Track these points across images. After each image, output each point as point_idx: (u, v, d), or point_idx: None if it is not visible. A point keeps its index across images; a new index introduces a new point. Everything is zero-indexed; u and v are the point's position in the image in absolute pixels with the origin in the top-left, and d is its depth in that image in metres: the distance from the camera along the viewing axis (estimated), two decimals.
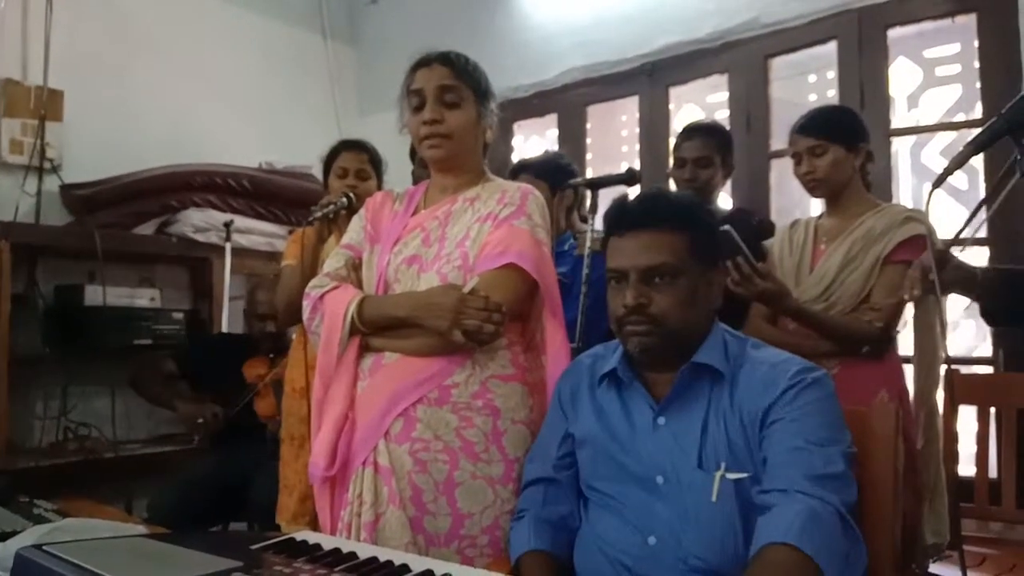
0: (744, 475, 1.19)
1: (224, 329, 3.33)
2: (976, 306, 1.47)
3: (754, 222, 2.25)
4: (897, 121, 3.00)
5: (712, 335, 1.30)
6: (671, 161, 2.39)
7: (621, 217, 1.34)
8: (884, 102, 2.83)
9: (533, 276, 1.47)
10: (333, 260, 1.63)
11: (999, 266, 1.37)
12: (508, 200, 1.53)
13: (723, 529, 1.18)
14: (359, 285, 1.58)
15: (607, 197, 1.73)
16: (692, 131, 2.32)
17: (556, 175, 2.28)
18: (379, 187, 2.30)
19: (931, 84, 3.72)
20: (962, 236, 1.27)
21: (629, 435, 1.30)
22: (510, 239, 1.47)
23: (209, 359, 2.92)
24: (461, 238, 1.51)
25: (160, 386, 2.91)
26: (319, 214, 2.02)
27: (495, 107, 1.61)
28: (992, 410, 2.18)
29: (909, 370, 1.96)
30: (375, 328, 1.48)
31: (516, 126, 3.93)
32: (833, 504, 1.10)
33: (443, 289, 1.44)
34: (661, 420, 1.28)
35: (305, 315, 1.56)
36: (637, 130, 3.54)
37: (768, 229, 2.19)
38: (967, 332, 3.54)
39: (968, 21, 2.69)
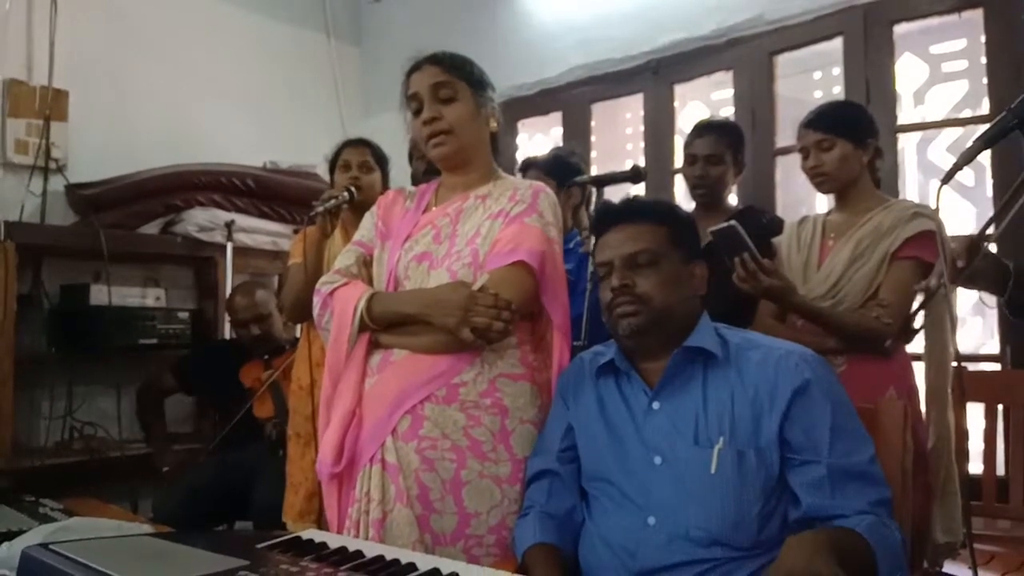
0: (744, 450, 1.22)
1: (227, 329, 3.34)
2: (980, 305, 1.46)
3: (764, 219, 2.23)
4: (903, 117, 2.99)
5: (701, 323, 1.35)
6: (676, 158, 2.37)
7: (604, 217, 1.44)
8: (890, 98, 2.81)
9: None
10: (344, 257, 1.62)
11: None
12: (520, 197, 1.52)
13: (723, 498, 1.21)
14: (369, 282, 1.58)
15: (612, 194, 1.72)
16: (703, 128, 2.27)
17: (563, 172, 2.27)
18: (384, 182, 2.31)
19: (937, 80, 3.70)
20: (988, 233, 1.23)
21: (627, 422, 1.34)
22: (521, 236, 1.46)
23: (206, 369, 2.93)
24: (472, 235, 1.50)
25: (151, 415, 2.98)
26: (321, 208, 2.03)
27: (493, 95, 1.60)
28: (1000, 407, 2.17)
29: (917, 367, 1.95)
30: (384, 324, 1.47)
31: (520, 124, 3.91)
32: (898, 530, 1.17)
33: (452, 286, 1.43)
34: (656, 405, 1.31)
35: (315, 311, 1.56)
36: (642, 127, 3.52)
37: (778, 226, 2.16)
38: (974, 329, 3.53)
39: (974, 16, 2.67)
